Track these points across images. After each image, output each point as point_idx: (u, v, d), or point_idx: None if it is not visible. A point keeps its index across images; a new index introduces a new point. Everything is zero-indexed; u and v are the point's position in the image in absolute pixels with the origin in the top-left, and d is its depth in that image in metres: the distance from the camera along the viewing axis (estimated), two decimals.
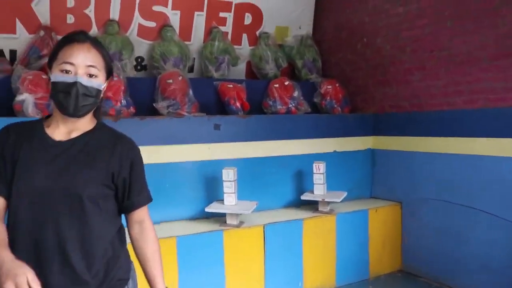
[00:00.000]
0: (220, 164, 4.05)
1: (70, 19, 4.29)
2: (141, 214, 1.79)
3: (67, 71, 1.54)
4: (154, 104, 4.19)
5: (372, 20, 4.92)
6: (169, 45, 4.63)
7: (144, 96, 4.28)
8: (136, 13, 4.62)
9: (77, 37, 1.59)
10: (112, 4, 4.45)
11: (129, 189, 1.72)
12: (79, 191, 1.53)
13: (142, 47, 4.70)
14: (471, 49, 3.93)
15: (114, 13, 4.48)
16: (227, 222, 3.82)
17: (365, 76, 5.09)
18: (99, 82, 1.63)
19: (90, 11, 4.37)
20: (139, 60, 4.72)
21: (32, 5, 4.12)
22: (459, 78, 4.07)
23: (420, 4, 4.34)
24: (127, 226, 1.77)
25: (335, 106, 5.02)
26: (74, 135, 1.63)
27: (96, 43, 1.63)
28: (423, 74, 4.40)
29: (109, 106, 3.90)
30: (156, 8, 4.71)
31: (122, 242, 1.73)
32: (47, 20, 4.19)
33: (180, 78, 4.32)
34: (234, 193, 3.85)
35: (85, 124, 1.67)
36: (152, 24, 4.72)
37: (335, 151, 4.76)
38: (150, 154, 3.85)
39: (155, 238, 1.79)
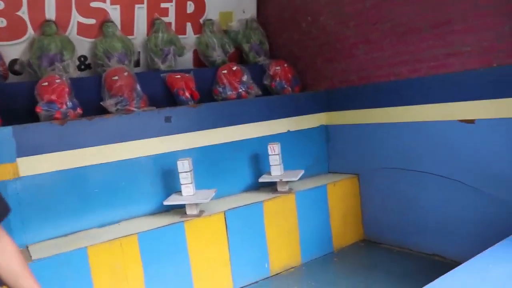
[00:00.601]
0: (175, 156, 4.03)
1: (2, 22, 4.15)
2: None
3: None
4: (101, 103, 4.12)
5: None
6: (111, 41, 4.55)
7: (91, 96, 4.20)
8: (74, 11, 4.51)
9: None
10: (46, 4, 4.32)
11: None
12: None
13: (83, 45, 4.60)
14: (411, 19, 4.03)
15: (50, 13, 4.35)
16: (187, 213, 3.82)
17: (313, 54, 5.14)
18: None
19: (23, 13, 4.23)
20: (82, 59, 4.62)
21: None
22: (402, 48, 4.18)
23: None
24: None
25: (285, 86, 5.05)
26: None
27: None
28: (368, 47, 4.49)
29: (55, 109, 3.82)
30: (94, 4, 4.60)
31: None
32: None
33: (125, 73, 4.26)
34: (191, 183, 3.85)
35: None
36: (91, 21, 4.61)
37: (289, 131, 4.81)
38: (103, 154, 3.82)
39: (19, 250, 1.57)
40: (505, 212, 3.50)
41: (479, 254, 2.76)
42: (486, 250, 2.81)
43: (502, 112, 3.47)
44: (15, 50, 4.30)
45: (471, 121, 3.67)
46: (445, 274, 2.54)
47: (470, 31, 3.63)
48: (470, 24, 3.62)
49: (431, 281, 2.48)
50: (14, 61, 4.33)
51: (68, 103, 3.89)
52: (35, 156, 3.53)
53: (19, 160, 3.45)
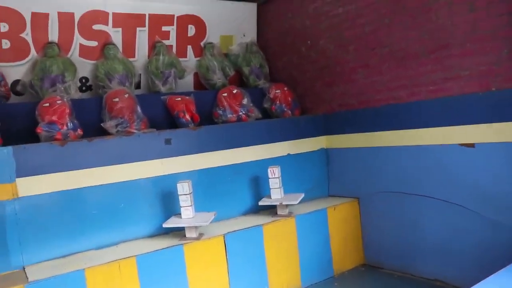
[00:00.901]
0: (175, 178, 4.02)
1: (6, 44, 4.19)
2: None
3: None
4: (102, 124, 4.13)
5: (314, 23, 5.03)
6: (113, 63, 4.59)
7: (91, 117, 4.22)
8: (76, 33, 4.56)
9: None
10: (50, 26, 4.38)
11: None
12: None
13: (85, 67, 4.63)
14: (410, 44, 4.09)
15: (53, 35, 4.41)
16: (187, 235, 3.79)
17: (312, 77, 5.19)
18: None
19: (27, 35, 4.28)
20: (84, 80, 4.65)
21: None
22: (401, 72, 4.22)
23: (358, 4, 4.49)
24: None
25: (285, 109, 5.08)
26: None
27: None
28: (367, 71, 4.53)
29: (55, 130, 3.83)
30: (97, 27, 4.66)
31: None
32: None
33: (126, 95, 4.28)
34: (191, 206, 3.83)
35: None
36: (93, 43, 4.66)
37: (289, 154, 4.81)
38: (102, 175, 3.80)
39: None
40: (506, 237, 3.48)
41: (483, 281, 2.72)
42: (490, 277, 2.77)
43: (501, 136, 3.48)
44: (17, 71, 4.34)
45: (471, 145, 3.68)
46: None
47: (468, 55, 3.67)
48: (468, 48, 3.66)
49: None
50: (16, 82, 4.36)
51: (68, 124, 3.90)
52: (34, 176, 3.52)
53: (18, 180, 3.44)
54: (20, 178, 3.45)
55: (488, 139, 3.58)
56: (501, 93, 3.47)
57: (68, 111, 3.95)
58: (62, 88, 4.21)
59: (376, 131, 4.48)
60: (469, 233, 3.74)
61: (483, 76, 3.60)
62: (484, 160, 3.61)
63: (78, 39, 4.57)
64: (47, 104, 3.92)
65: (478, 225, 3.67)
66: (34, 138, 3.82)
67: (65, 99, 4.01)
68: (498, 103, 3.49)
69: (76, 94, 4.37)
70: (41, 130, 3.79)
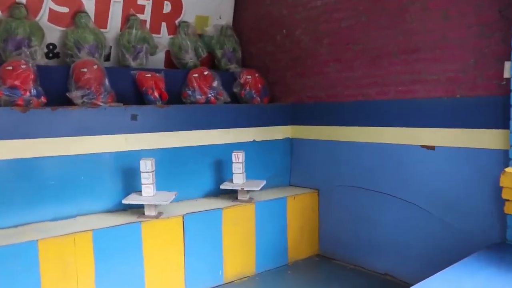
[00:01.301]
0: (138, 155, 3.98)
1: None
2: None
3: None
4: (67, 94, 4.02)
5: (291, 13, 5.03)
6: (83, 32, 4.45)
7: (57, 85, 4.09)
8: None
9: None
10: None
11: None
12: None
13: (54, 33, 4.47)
14: (383, 44, 4.15)
15: None
16: (146, 213, 3.77)
17: (284, 67, 5.20)
18: None
19: None
20: (51, 47, 4.49)
21: None
22: (372, 70, 4.28)
23: None
24: None
25: (255, 96, 5.08)
26: None
27: None
28: (340, 66, 4.58)
29: (17, 95, 3.69)
30: None
31: None
32: None
33: (95, 66, 4.17)
34: (152, 184, 3.80)
35: None
36: (64, 9, 4.50)
37: (254, 141, 4.84)
38: (64, 146, 3.72)
39: None
40: (455, 239, 3.64)
41: (431, 277, 2.83)
42: (437, 273, 2.89)
43: (461, 141, 3.61)
44: None
45: (432, 148, 3.80)
46: None
47: (437, 61, 3.77)
48: (438, 54, 3.76)
49: None
50: None
51: (32, 90, 3.77)
52: None
53: None
54: None
55: (449, 143, 3.70)
56: (465, 100, 3.59)
57: (32, 76, 3.81)
58: (28, 53, 4.05)
59: (342, 125, 4.55)
60: (421, 231, 3.88)
61: (449, 82, 3.70)
62: (443, 163, 3.74)
63: (48, 3, 4.40)
64: (10, 68, 3.77)
65: (430, 224, 3.81)
66: None
67: (30, 64, 3.87)
68: (461, 109, 3.61)
69: (42, 60, 4.22)
70: (1, 93, 3.65)
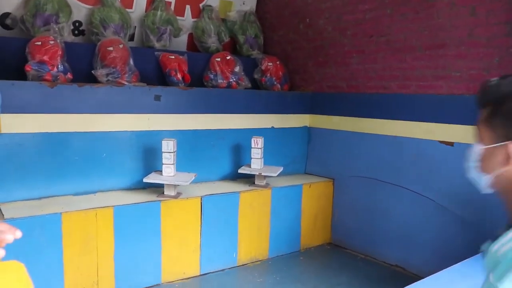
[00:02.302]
0: (159, 135, 4.04)
1: None
2: None
3: None
4: (93, 71, 4.08)
5: (316, 1, 5.02)
6: (109, 11, 4.48)
7: (83, 63, 4.15)
8: None
9: None
10: None
11: None
12: None
13: (80, 10, 4.51)
14: (407, 38, 4.14)
15: None
16: (165, 193, 3.84)
17: (306, 55, 5.22)
18: None
19: None
20: (77, 24, 4.54)
21: None
22: (395, 64, 4.29)
23: None
24: None
25: (275, 83, 5.12)
26: None
27: None
28: (362, 57, 4.58)
29: (45, 70, 3.76)
30: None
31: None
32: None
33: (121, 46, 4.22)
34: (173, 164, 3.87)
35: None
36: None
37: (272, 127, 4.88)
38: (88, 122, 3.79)
39: None
40: (468, 233, 3.67)
41: (442, 270, 2.88)
42: (449, 267, 2.93)
43: None
44: (8, 3, 4.18)
45: (450, 144, 3.83)
46: (408, 286, 2.64)
47: (461, 57, 3.77)
48: (463, 51, 3.75)
49: None
50: (6, 15, 4.21)
51: (59, 66, 3.84)
52: (19, 114, 3.48)
53: (2, 116, 3.39)
54: (4, 114, 3.41)
55: (468, 140, 3.71)
56: None
57: (60, 52, 3.88)
58: (56, 29, 4.11)
59: (361, 117, 4.58)
60: (435, 225, 3.93)
61: (472, 80, 3.71)
62: (460, 160, 3.73)
63: None
64: (39, 43, 3.84)
65: (445, 219, 3.85)
66: (20, 76, 3.74)
67: (58, 40, 3.93)
68: None
69: (69, 37, 4.27)
70: (30, 68, 3.72)
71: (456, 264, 2.99)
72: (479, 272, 2.59)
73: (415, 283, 2.72)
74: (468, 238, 3.68)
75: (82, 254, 3.36)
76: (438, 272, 2.88)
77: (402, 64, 4.22)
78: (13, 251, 3.02)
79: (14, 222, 3.05)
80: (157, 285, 3.72)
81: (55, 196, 3.66)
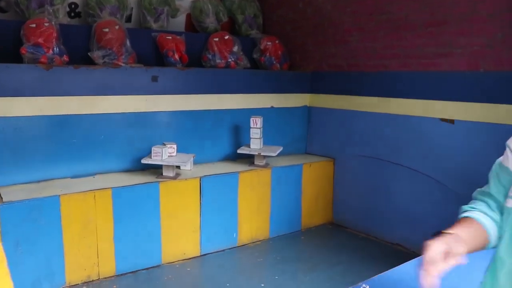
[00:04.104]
0: (158, 116, 4.02)
1: None
2: None
3: None
4: (89, 53, 4.04)
5: None
6: None
7: (78, 45, 4.11)
8: None
9: None
10: None
11: None
12: None
13: None
14: (408, 15, 4.06)
15: None
16: (164, 174, 3.83)
17: (305, 34, 5.15)
18: None
19: None
20: (73, 6, 4.50)
21: None
22: (395, 41, 4.22)
23: None
24: None
25: (274, 62, 5.06)
26: None
27: None
28: (362, 35, 4.51)
29: (40, 53, 3.72)
30: None
31: None
32: None
33: (117, 27, 4.17)
34: (174, 145, 3.86)
35: None
36: None
37: (272, 107, 4.84)
38: (85, 105, 3.77)
39: None
40: None
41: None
42: None
43: (481, 116, 3.58)
44: None
45: (451, 121, 3.78)
46: (405, 263, 2.62)
47: (463, 34, 3.69)
48: (465, 27, 3.67)
49: (391, 267, 2.56)
50: None
51: (55, 48, 3.80)
52: (15, 97, 3.46)
53: None
54: (0, 98, 3.39)
55: (469, 117, 3.67)
56: (489, 74, 3.53)
57: (55, 35, 3.83)
58: (51, 10, 4.06)
59: (362, 95, 4.52)
60: (435, 204, 3.90)
61: (474, 56, 3.63)
62: (461, 137, 3.72)
63: None
64: (34, 25, 3.79)
65: (446, 198, 3.82)
66: (16, 59, 3.71)
67: (53, 22, 3.88)
68: (483, 83, 3.56)
69: (65, 19, 4.24)
70: (25, 51, 3.69)
71: None
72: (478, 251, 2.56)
73: (414, 259, 2.70)
74: None
75: (82, 236, 3.37)
76: None
77: (403, 42, 4.14)
78: (13, 234, 3.04)
79: (12, 205, 3.07)
80: (157, 265, 3.73)
81: (54, 179, 3.66)
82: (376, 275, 2.31)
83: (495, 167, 1.37)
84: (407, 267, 2.56)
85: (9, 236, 3.06)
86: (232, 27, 5.46)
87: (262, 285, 3.46)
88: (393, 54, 4.24)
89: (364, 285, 2.18)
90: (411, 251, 4.02)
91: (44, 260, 3.22)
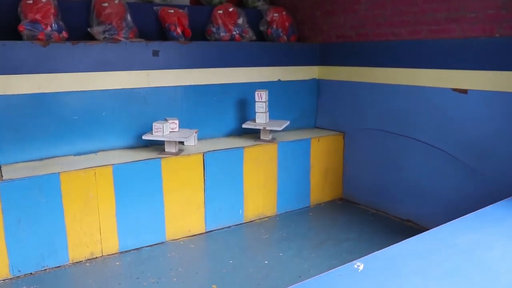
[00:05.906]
0: (160, 91, 3.94)
1: None
2: None
3: None
4: (88, 29, 3.96)
5: None
6: None
7: (78, 21, 4.03)
8: None
9: None
10: None
11: None
12: None
13: None
14: None
15: None
16: (166, 150, 3.77)
17: (313, 5, 4.97)
18: None
19: None
20: None
21: None
22: (405, 8, 4.03)
23: None
24: None
25: (281, 34, 4.90)
26: None
27: None
28: (370, 3, 4.34)
29: (38, 30, 3.65)
30: None
31: None
32: None
33: (116, 1, 4.07)
34: (176, 120, 3.80)
35: None
36: None
37: (279, 80, 4.71)
38: (85, 81, 3.72)
39: None
40: (485, 187, 3.48)
41: (448, 222, 2.74)
42: (457, 219, 2.79)
43: (497, 85, 3.38)
44: None
45: (464, 91, 3.59)
46: (410, 238, 2.52)
47: None
48: None
49: None
50: None
51: (53, 24, 3.72)
52: (13, 75, 3.43)
53: None
54: None
55: (483, 86, 3.48)
56: (505, 40, 3.32)
57: (53, 11, 3.75)
58: None
59: (371, 66, 4.36)
60: (447, 177, 3.76)
61: (489, 20, 3.43)
62: (475, 108, 3.54)
63: None
64: (31, 1, 3.71)
65: (458, 172, 3.67)
66: (15, 36, 3.65)
67: None
68: (499, 50, 3.36)
69: None
70: (23, 28, 3.63)
71: (465, 216, 2.85)
72: (491, 222, 2.44)
73: (419, 235, 2.60)
74: (481, 190, 3.50)
75: (84, 213, 3.35)
76: (445, 224, 2.74)
77: (413, 7, 3.95)
78: (14, 211, 3.01)
79: (12, 183, 3.06)
80: (161, 242, 3.71)
81: (56, 157, 3.64)
82: (370, 254, 2.22)
83: None
84: (402, 245, 2.46)
85: (10, 214, 3.06)
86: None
87: (266, 262, 3.39)
88: (403, 22, 4.05)
89: (358, 263, 2.10)
90: (421, 227, 3.89)
91: (47, 237, 3.22)
